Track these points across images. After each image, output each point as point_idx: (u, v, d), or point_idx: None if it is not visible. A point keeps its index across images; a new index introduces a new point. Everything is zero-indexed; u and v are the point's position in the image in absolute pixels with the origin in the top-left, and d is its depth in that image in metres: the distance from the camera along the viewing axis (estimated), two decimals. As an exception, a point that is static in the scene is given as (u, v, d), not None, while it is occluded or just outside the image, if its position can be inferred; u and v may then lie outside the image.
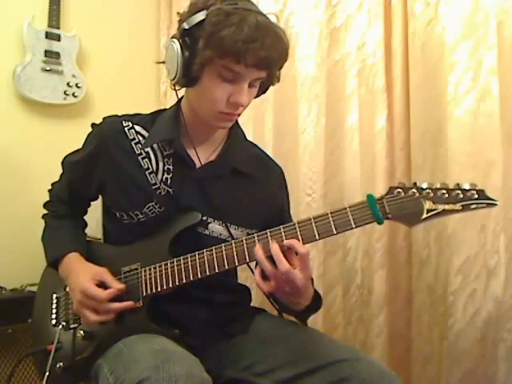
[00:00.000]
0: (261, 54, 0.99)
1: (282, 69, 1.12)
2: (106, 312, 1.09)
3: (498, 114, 1.41)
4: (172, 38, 1.08)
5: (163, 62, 1.13)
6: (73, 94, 2.21)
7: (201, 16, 1.02)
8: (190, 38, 1.03)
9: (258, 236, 1.01)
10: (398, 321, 1.70)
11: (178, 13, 1.10)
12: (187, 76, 1.05)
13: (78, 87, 2.22)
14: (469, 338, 1.44)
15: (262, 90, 1.15)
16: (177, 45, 1.04)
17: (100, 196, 1.26)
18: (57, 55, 2.17)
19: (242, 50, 0.98)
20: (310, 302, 1.08)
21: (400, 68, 1.66)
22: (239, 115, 1.12)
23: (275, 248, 0.97)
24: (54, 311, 1.22)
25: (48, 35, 2.15)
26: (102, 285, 1.11)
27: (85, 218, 1.36)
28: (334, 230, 0.97)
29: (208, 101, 1.07)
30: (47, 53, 2.14)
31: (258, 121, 1.98)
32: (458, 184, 0.95)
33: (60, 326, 1.18)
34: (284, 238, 0.99)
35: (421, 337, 1.58)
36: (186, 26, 1.04)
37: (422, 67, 1.57)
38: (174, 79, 1.08)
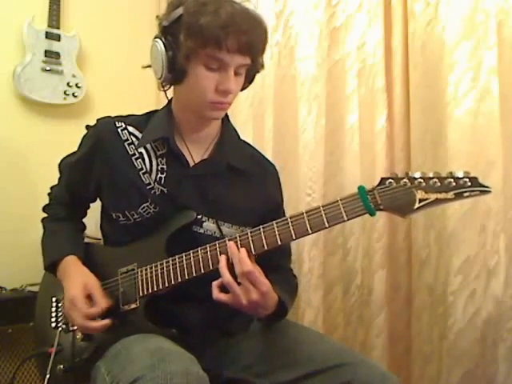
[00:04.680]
0: (242, 38, 1.01)
1: (264, 54, 1.13)
2: (85, 329, 1.10)
3: (498, 114, 1.41)
4: (154, 38, 1.09)
5: (149, 66, 1.14)
6: (73, 94, 2.21)
7: (179, 11, 1.04)
8: (170, 34, 1.06)
9: (251, 232, 1.02)
10: (398, 321, 1.70)
11: (157, 16, 1.12)
12: (173, 71, 1.07)
13: (78, 87, 2.22)
14: (469, 338, 1.44)
15: (249, 80, 1.16)
16: (159, 43, 1.06)
17: (98, 197, 1.26)
18: (57, 55, 2.17)
19: (221, 35, 1.00)
20: (274, 310, 1.07)
21: (400, 68, 1.66)
22: (230, 104, 1.12)
23: (236, 251, 0.98)
24: (54, 314, 1.23)
25: (48, 35, 2.15)
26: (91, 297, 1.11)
27: (84, 218, 1.36)
28: (325, 223, 0.97)
29: (197, 92, 1.08)
30: (47, 53, 2.14)
31: (258, 121, 1.98)
32: (450, 172, 0.93)
33: (60, 329, 1.18)
34: (277, 233, 0.99)
35: (421, 337, 1.58)
36: (165, 23, 1.06)
37: (421, 67, 1.57)
38: (160, 78, 1.09)
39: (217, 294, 1.00)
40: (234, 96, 1.11)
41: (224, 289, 1.00)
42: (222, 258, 1.00)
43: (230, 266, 1.00)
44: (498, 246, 1.42)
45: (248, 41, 1.02)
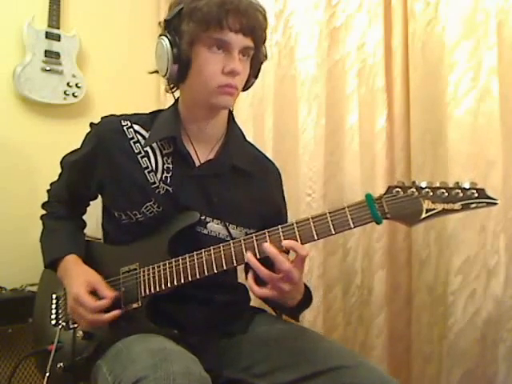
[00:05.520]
0: (242, 19, 1.03)
1: (265, 41, 1.13)
2: (95, 322, 1.09)
3: (498, 114, 1.41)
4: (158, 37, 1.11)
5: (156, 72, 1.15)
6: (73, 94, 2.21)
7: (179, 6, 1.07)
8: (173, 28, 1.08)
9: (256, 236, 1.01)
10: (398, 321, 1.70)
11: (159, 22, 1.14)
12: (178, 61, 1.07)
13: (78, 87, 2.22)
14: (469, 338, 1.44)
15: (254, 73, 1.16)
16: (164, 39, 1.08)
17: (100, 195, 1.26)
18: (57, 55, 2.17)
19: (220, 14, 1.02)
20: (302, 296, 1.08)
21: (400, 68, 1.66)
22: (237, 90, 1.11)
23: (273, 250, 0.96)
24: (54, 311, 1.22)
25: (48, 35, 2.15)
26: (96, 293, 1.10)
27: (84, 217, 1.36)
28: (332, 230, 0.96)
29: (204, 79, 1.08)
30: (47, 53, 2.14)
31: (258, 121, 1.98)
32: (457, 183, 0.93)
33: (60, 326, 1.18)
34: (282, 238, 0.98)
35: (421, 337, 1.58)
36: (167, 17, 1.09)
37: (422, 67, 1.57)
38: (166, 73, 1.09)
39: (258, 290, 0.99)
40: (241, 81, 1.11)
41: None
42: (250, 256, 0.98)
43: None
44: (498, 245, 1.42)
45: (249, 22, 1.04)
